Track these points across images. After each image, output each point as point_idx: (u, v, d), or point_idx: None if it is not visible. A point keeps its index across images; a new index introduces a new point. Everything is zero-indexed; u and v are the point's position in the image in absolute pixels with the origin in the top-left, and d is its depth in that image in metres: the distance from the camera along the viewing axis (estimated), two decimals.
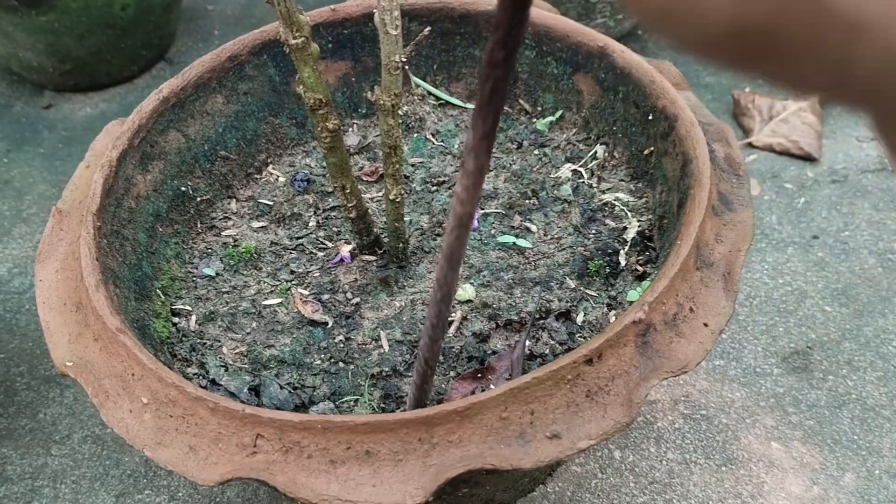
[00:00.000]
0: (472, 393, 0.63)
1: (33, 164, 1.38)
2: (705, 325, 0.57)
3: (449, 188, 0.82)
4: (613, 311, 0.69)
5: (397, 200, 0.69)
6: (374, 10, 0.59)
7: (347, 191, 0.69)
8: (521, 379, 0.52)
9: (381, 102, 0.62)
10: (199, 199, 0.80)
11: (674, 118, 0.69)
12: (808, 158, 1.20)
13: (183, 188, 0.79)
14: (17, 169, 1.38)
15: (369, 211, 0.73)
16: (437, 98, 0.90)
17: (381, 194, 0.82)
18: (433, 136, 0.87)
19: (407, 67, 0.89)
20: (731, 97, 1.30)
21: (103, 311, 0.59)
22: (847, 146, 1.21)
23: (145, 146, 0.75)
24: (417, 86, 0.89)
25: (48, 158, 1.39)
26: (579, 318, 0.69)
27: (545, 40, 0.82)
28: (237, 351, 0.69)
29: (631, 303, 0.68)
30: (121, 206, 0.71)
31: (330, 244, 0.78)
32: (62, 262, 0.66)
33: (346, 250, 0.76)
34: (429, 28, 0.60)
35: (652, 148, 0.74)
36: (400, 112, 0.87)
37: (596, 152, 0.81)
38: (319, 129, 0.64)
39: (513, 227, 0.77)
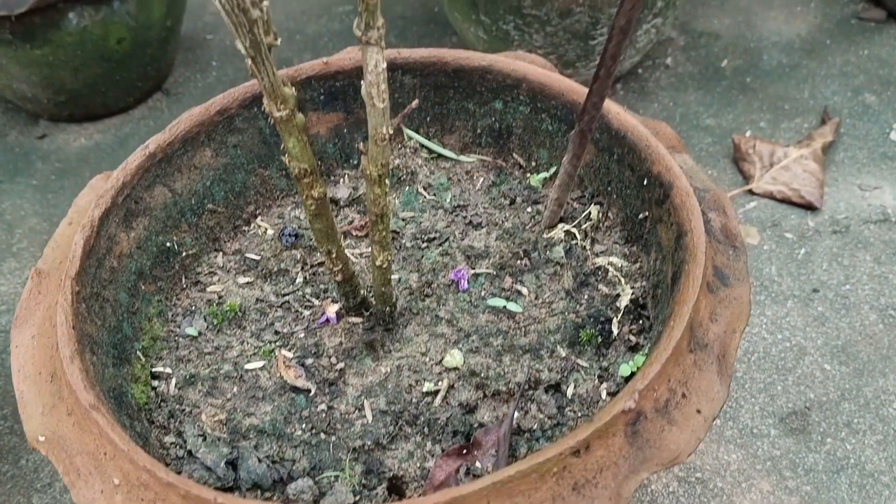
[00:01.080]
0: (457, 472, 0.62)
1: (25, 196, 1.37)
2: (698, 411, 0.55)
3: (440, 245, 0.80)
4: (605, 384, 0.67)
5: (384, 266, 0.67)
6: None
7: (333, 255, 0.67)
8: (504, 472, 0.50)
9: (368, 173, 0.60)
10: (184, 253, 0.79)
11: (669, 186, 0.68)
12: (809, 207, 1.18)
13: (168, 244, 0.77)
14: (9, 201, 1.36)
15: (356, 273, 0.71)
16: (430, 151, 0.88)
17: (370, 250, 0.80)
18: (425, 189, 0.86)
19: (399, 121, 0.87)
20: (732, 141, 1.28)
21: (77, 386, 0.57)
22: (849, 195, 1.20)
23: (130, 203, 0.73)
24: (410, 138, 0.88)
25: (41, 190, 1.38)
26: (569, 391, 0.67)
27: (540, 97, 0.80)
28: (216, 418, 0.67)
29: (623, 378, 0.66)
30: (102, 266, 0.70)
31: (317, 302, 0.77)
32: (39, 328, 0.65)
33: (332, 310, 0.74)
34: (416, 102, 0.58)
35: (647, 213, 0.72)
36: (390, 169, 0.85)
37: (590, 213, 0.79)
38: (305, 196, 0.62)
39: (504, 289, 0.75)
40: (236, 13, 0.48)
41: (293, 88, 0.56)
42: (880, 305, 1.04)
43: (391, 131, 0.58)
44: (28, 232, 1.31)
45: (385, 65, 0.54)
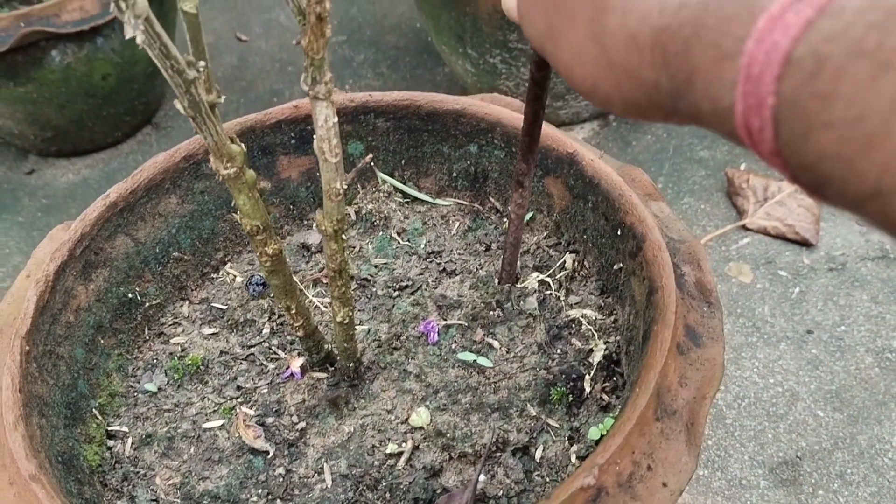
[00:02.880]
0: None
1: (10, 234, 1.36)
2: (664, 484, 0.52)
3: (412, 294, 0.78)
4: (574, 447, 0.64)
5: (345, 322, 0.65)
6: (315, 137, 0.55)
7: (293, 311, 0.65)
8: None
9: (323, 228, 0.58)
10: (147, 304, 0.77)
11: (641, 238, 0.65)
12: (804, 244, 1.15)
13: (130, 294, 0.75)
14: None
15: (317, 328, 0.69)
16: (405, 194, 0.86)
17: (331, 307, 0.78)
18: (399, 234, 0.84)
19: (373, 164, 0.85)
20: (725, 175, 1.25)
21: (18, 455, 0.55)
22: (846, 231, 1.17)
23: (89, 254, 0.71)
24: (384, 181, 0.86)
25: (26, 228, 1.37)
26: (538, 454, 0.64)
27: (515, 141, 0.78)
28: (171, 482, 0.65)
29: (593, 441, 0.64)
30: (57, 322, 0.67)
31: (283, 354, 0.74)
32: None
33: (296, 365, 0.71)
34: (371, 156, 0.56)
35: (621, 264, 0.70)
36: (360, 212, 0.83)
37: (565, 262, 0.76)
38: (259, 253, 0.60)
39: (475, 342, 0.73)
40: (172, 74, 0.46)
41: (241, 145, 0.54)
42: (877, 347, 1.00)
43: (345, 186, 0.55)
44: (12, 270, 1.29)
45: (336, 119, 0.52)
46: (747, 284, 1.10)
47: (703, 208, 1.24)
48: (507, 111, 0.78)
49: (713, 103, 0.29)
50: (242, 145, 0.55)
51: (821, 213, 1.18)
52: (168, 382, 0.72)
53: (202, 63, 0.48)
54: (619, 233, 0.69)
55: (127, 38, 0.43)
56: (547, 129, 0.76)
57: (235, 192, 0.56)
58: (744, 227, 1.19)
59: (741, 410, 0.96)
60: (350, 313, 0.64)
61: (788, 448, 0.91)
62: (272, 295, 0.79)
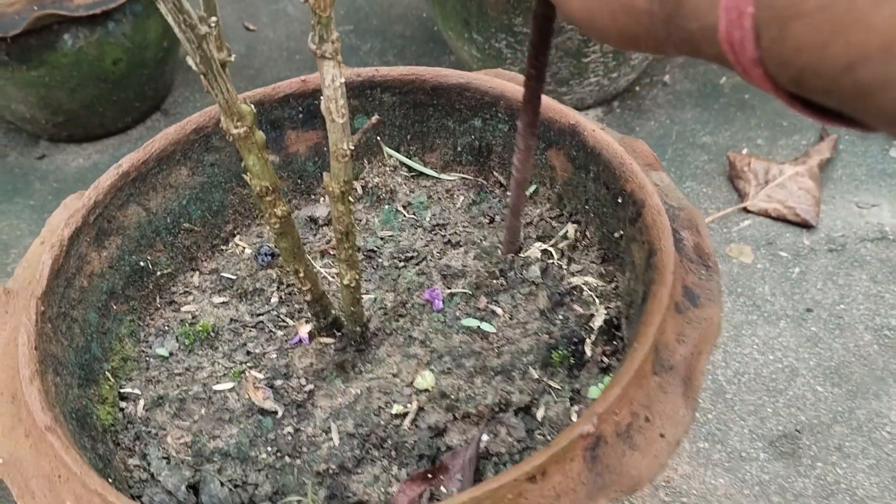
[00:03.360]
0: (420, 497, 0.60)
1: (22, 217, 1.38)
2: (662, 435, 0.54)
3: (417, 264, 0.80)
4: (576, 407, 0.66)
5: (352, 286, 0.66)
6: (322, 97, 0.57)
7: (301, 275, 0.67)
8: (458, 497, 0.49)
9: (331, 190, 0.59)
10: (159, 273, 0.78)
11: (641, 204, 0.66)
12: (804, 225, 1.16)
13: (142, 263, 0.77)
14: (6, 221, 1.37)
15: (325, 293, 0.70)
16: (410, 169, 0.87)
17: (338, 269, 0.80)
18: (404, 207, 0.85)
19: (379, 138, 0.87)
20: (727, 159, 1.27)
21: (34, 407, 0.57)
22: (846, 213, 1.18)
23: (102, 222, 0.73)
24: (390, 156, 0.87)
25: (37, 211, 1.39)
26: (539, 414, 0.66)
27: (518, 115, 0.80)
28: (182, 441, 0.66)
29: (593, 399, 0.65)
30: (71, 286, 0.69)
31: (291, 322, 0.76)
32: (4, 348, 0.64)
33: (304, 331, 0.73)
34: (377, 117, 0.57)
35: (622, 232, 0.71)
36: (366, 186, 0.84)
37: (567, 231, 0.78)
38: (268, 215, 0.61)
39: (478, 309, 0.74)
40: (184, 29, 0.48)
41: (251, 105, 0.56)
42: (875, 325, 1.02)
43: (352, 147, 0.57)
44: (23, 252, 1.31)
45: (343, 79, 0.54)
46: (748, 265, 1.12)
47: (704, 192, 1.25)
48: (511, 84, 0.80)
49: (700, 22, 0.31)
50: (252, 106, 0.56)
51: (821, 196, 1.20)
52: (179, 348, 0.74)
53: (213, 18, 0.50)
54: (619, 201, 0.71)
55: None
56: (549, 101, 0.78)
57: (245, 153, 0.58)
58: (745, 210, 1.20)
59: (741, 385, 0.97)
60: (357, 276, 0.66)
61: (788, 422, 0.93)
62: (280, 262, 0.80)
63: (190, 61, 0.50)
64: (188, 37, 0.48)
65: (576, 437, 0.51)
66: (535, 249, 0.77)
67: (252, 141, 0.57)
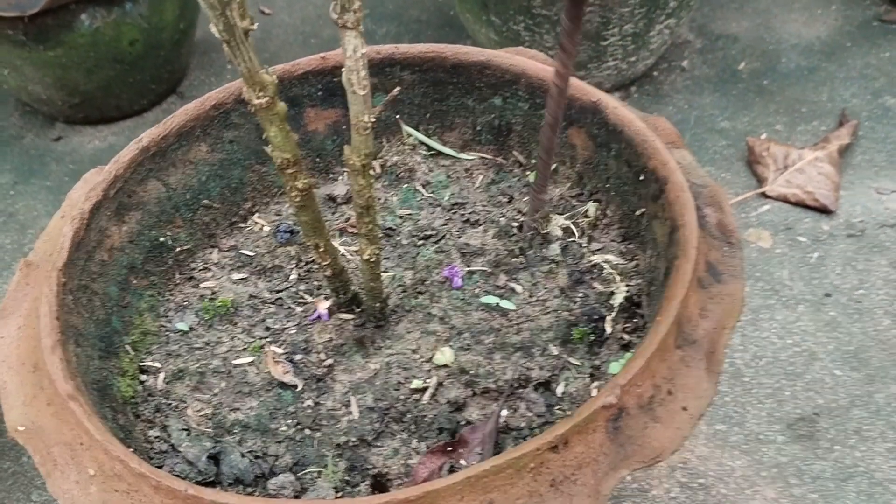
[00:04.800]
0: (440, 469, 0.60)
1: (38, 198, 1.38)
2: (684, 408, 0.54)
3: (436, 242, 0.79)
4: (596, 383, 0.65)
5: (372, 260, 0.66)
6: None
7: (321, 249, 0.67)
8: (480, 466, 0.49)
9: (352, 163, 0.59)
10: (178, 249, 0.78)
11: (664, 181, 0.66)
12: (823, 211, 1.15)
13: (161, 238, 0.77)
14: (23, 202, 1.38)
15: (345, 268, 0.70)
16: (429, 148, 0.87)
17: (358, 244, 0.80)
18: (423, 186, 0.85)
19: (398, 117, 0.86)
20: (746, 144, 1.26)
21: (56, 375, 0.57)
22: (865, 198, 1.17)
23: (122, 196, 0.73)
24: (409, 135, 0.87)
25: (54, 192, 1.39)
26: (559, 390, 0.65)
27: (539, 93, 0.79)
28: (202, 413, 0.67)
29: (613, 375, 0.65)
30: (92, 259, 0.69)
31: (310, 298, 0.76)
32: (25, 319, 0.64)
33: (323, 307, 0.73)
34: (398, 88, 0.57)
35: (643, 209, 0.71)
36: (385, 165, 0.84)
37: (588, 210, 0.78)
38: (289, 188, 0.61)
39: (497, 286, 0.74)
40: None
41: (273, 75, 0.56)
42: (894, 310, 1.01)
43: (373, 119, 0.57)
44: (40, 232, 1.31)
45: (364, 50, 0.54)
46: (767, 249, 1.11)
47: (723, 177, 1.24)
48: (532, 63, 0.80)
49: None
50: (275, 76, 0.56)
51: (840, 181, 1.19)
52: (199, 323, 0.74)
53: None
54: (641, 178, 0.70)
55: None
56: (571, 79, 0.77)
57: (266, 124, 0.57)
58: (764, 195, 1.19)
59: (759, 369, 0.96)
60: (377, 251, 0.66)
61: (806, 405, 0.92)
62: (301, 242, 0.80)
63: (213, 28, 0.50)
64: (211, 3, 0.48)
65: (598, 408, 0.51)
66: (554, 227, 0.77)
67: (274, 112, 0.57)
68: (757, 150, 1.23)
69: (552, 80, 0.64)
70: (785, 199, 1.17)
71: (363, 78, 0.54)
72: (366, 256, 0.65)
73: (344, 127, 0.86)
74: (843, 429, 0.90)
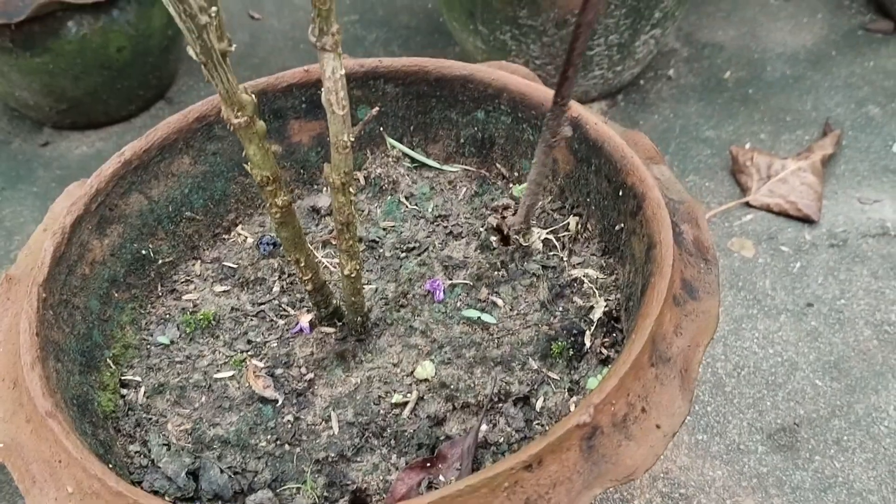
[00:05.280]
0: (418, 485, 0.61)
1: (25, 203, 1.38)
2: (658, 426, 0.54)
3: (419, 255, 0.80)
4: (574, 398, 0.66)
5: (353, 276, 0.67)
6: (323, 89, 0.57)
7: (302, 264, 0.67)
8: (455, 486, 0.49)
9: (332, 181, 0.60)
10: (160, 261, 0.79)
11: (642, 197, 0.67)
12: (806, 220, 1.16)
13: (143, 251, 0.77)
14: (10, 208, 1.37)
15: (326, 282, 0.71)
16: (413, 160, 0.88)
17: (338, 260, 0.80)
18: (407, 198, 0.85)
19: (382, 129, 0.87)
20: (730, 153, 1.27)
21: (35, 393, 0.57)
22: (848, 208, 1.18)
23: (104, 210, 0.73)
24: (393, 147, 0.87)
25: (41, 198, 1.39)
26: (538, 404, 0.66)
27: (521, 107, 0.80)
28: (182, 428, 0.67)
29: (591, 391, 0.65)
30: (73, 273, 0.70)
31: (292, 311, 0.76)
32: (6, 334, 0.65)
33: (305, 320, 0.73)
34: (377, 108, 0.58)
35: (622, 224, 0.71)
36: (369, 177, 0.85)
37: (568, 224, 0.78)
38: (269, 204, 0.62)
39: (479, 300, 0.75)
40: (184, 19, 0.48)
41: (252, 95, 0.56)
42: (875, 321, 1.02)
43: (352, 139, 0.57)
44: (26, 239, 1.31)
45: (343, 71, 0.54)
46: (749, 259, 1.12)
47: (707, 186, 1.25)
48: (514, 77, 0.80)
49: None
50: (253, 96, 0.56)
51: (823, 191, 1.20)
52: (180, 336, 0.74)
53: (214, 9, 0.50)
54: (620, 194, 0.71)
55: None
56: (552, 94, 0.78)
57: (246, 142, 0.58)
58: (747, 204, 1.20)
59: (740, 379, 0.97)
60: (357, 266, 0.66)
61: (787, 415, 0.93)
62: (282, 252, 0.81)
63: (190, 51, 0.51)
64: (188, 26, 0.48)
65: (572, 427, 0.51)
66: (535, 241, 0.78)
67: (253, 131, 0.57)
68: (741, 160, 1.24)
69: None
70: (768, 209, 1.18)
71: (342, 98, 0.55)
72: (346, 272, 0.66)
73: (328, 139, 0.86)
74: (824, 439, 0.90)
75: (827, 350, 0.99)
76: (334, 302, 0.73)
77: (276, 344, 0.73)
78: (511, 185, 0.85)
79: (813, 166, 1.20)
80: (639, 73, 1.46)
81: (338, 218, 0.62)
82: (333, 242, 0.83)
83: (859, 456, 0.88)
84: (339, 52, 0.53)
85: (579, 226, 0.78)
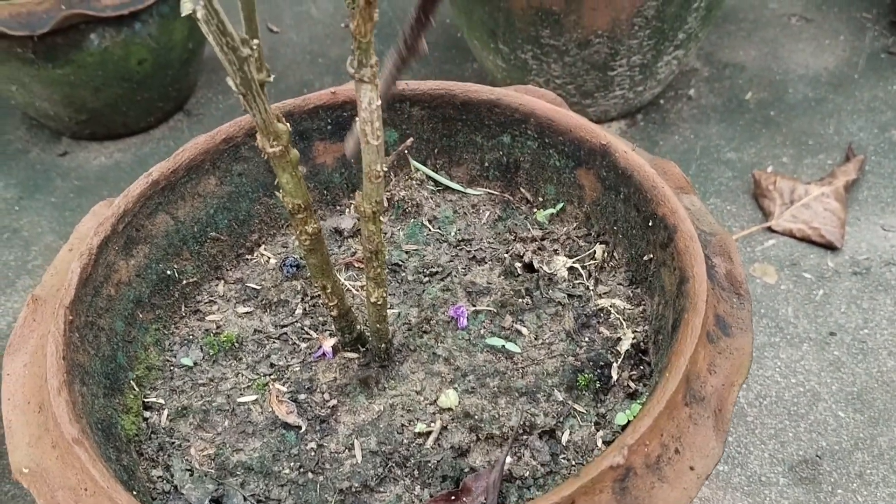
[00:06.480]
0: None
1: (43, 214, 1.38)
2: (691, 468, 0.53)
3: (442, 280, 0.79)
4: (601, 432, 0.65)
5: (379, 303, 0.66)
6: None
7: (329, 290, 0.67)
8: None
9: (363, 209, 0.59)
10: (185, 281, 0.78)
11: (673, 229, 0.66)
12: (829, 247, 1.15)
13: (168, 271, 0.77)
14: (27, 218, 1.37)
15: (351, 308, 0.70)
16: (437, 183, 0.87)
17: (365, 287, 0.79)
18: (430, 222, 0.85)
19: (407, 152, 0.87)
20: (752, 177, 1.26)
21: (62, 418, 0.57)
22: (871, 235, 1.17)
23: (130, 230, 0.73)
24: (417, 170, 0.87)
25: (58, 208, 1.39)
26: (564, 438, 0.65)
27: (548, 133, 0.79)
28: (205, 453, 0.66)
29: (620, 426, 0.65)
30: (99, 294, 0.69)
31: (314, 334, 0.76)
32: (32, 356, 0.64)
33: (328, 345, 0.73)
34: (411, 139, 0.57)
35: (651, 255, 0.71)
36: (392, 200, 0.84)
37: (595, 252, 0.77)
38: (299, 232, 0.61)
39: (503, 328, 0.74)
40: (226, 51, 0.48)
41: (287, 125, 0.56)
42: None
43: (385, 168, 0.57)
44: (44, 249, 1.32)
45: (379, 102, 0.54)
46: (771, 285, 1.11)
47: (729, 209, 1.24)
48: (541, 102, 0.80)
49: None
50: (288, 125, 0.56)
51: (846, 218, 1.19)
52: (203, 358, 0.74)
53: (255, 41, 0.50)
54: (650, 224, 0.70)
55: (183, 14, 0.45)
56: (580, 120, 0.78)
57: (279, 171, 0.58)
58: (769, 229, 1.19)
59: (762, 409, 0.96)
60: (384, 294, 0.66)
61: (809, 447, 0.92)
62: (307, 276, 0.80)
63: (230, 82, 0.50)
64: (230, 59, 0.48)
65: (605, 468, 0.51)
66: (561, 268, 0.77)
67: (287, 160, 0.57)
68: (763, 184, 1.23)
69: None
70: (791, 234, 1.17)
71: (377, 129, 0.54)
72: (373, 299, 0.65)
73: (352, 160, 0.86)
74: (846, 472, 0.89)
75: (850, 381, 0.98)
76: (358, 327, 0.72)
77: (298, 368, 0.73)
78: (535, 209, 0.85)
79: (836, 192, 1.19)
80: (659, 93, 1.46)
81: (367, 246, 0.62)
82: (356, 265, 0.82)
83: (883, 490, 0.87)
84: (376, 83, 0.52)
85: (606, 254, 0.78)
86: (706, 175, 1.30)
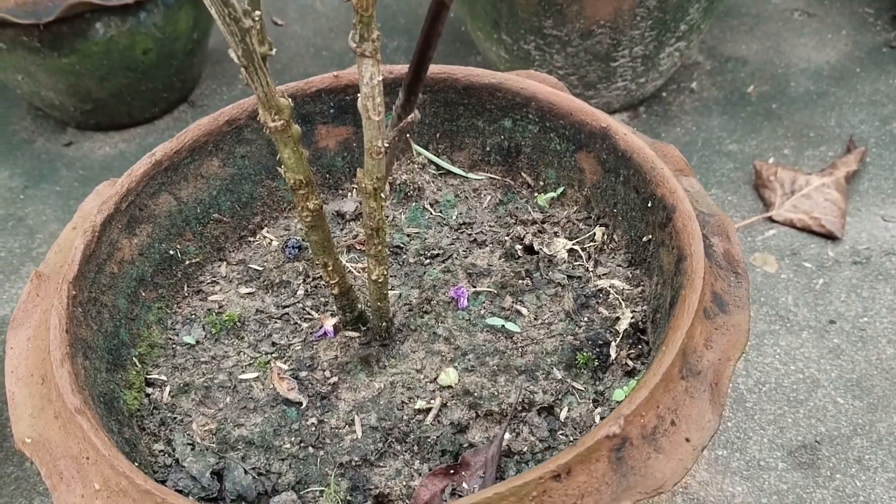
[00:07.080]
0: (442, 492, 0.61)
1: (48, 202, 1.39)
2: (687, 440, 0.54)
3: (443, 262, 0.80)
4: (599, 409, 0.66)
5: (380, 281, 0.67)
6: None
7: (330, 268, 0.67)
8: (482, 493, 0.49)
9: (364, 186, 0.60)
10: (187, 262, 0.79)
11: (672, 209, 0.66)
12: (829, 237, 1.15)
13: (171, 251, 0.78)
14: (32, 206, 1.38)
15: (353, 287, 0.71)
16: (438, 167, 0.88)
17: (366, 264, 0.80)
18: (431, 205, 0.85)
19: (409, 135, 0.87)
20: (753, 168, 1.26)
21: (64, 389, 0.58)
22: (871, 225, 1.17)
23: (133, 210, 0.74)
24: (419, 154, 0.88)
25: (63, 197, 1.40)
26: (563, 414, 0.66)
27: (549, 116, 0.80)
28: (206, 428, 0.67)
29: (618, 402, 0.65)
30: (102, 271, 0.70)
31: (316, 314, 0.76)
32: (35, 330, 0.65)
33: (329, 323, 0.74)
34: (414, 114, 0.58)
35: (650, 236, 0.71)
36: (394, 183, 0.85)
37: (594, 234, 0.78)
38: (300, 208, 0.62)
39: (503, 308, 0.75)
40: (228, 22, 0.48)
41: (289, 99, 0.56)
42: None
43: (386, 144, 0.58)
44: (48, 237, 1.32)
45: (381, 77, 0.54)
46: (772, 274, 1.11)
47: (730, 200, 1.25)
48: (543, 87, 0.80)
49: None
50: (290, 100, 0.57)
51: (847, 208, 1.19)
52: (205, 336, 0.75)
53: (257, 12, 0.50)
54: (649, 205, 0.71)
55: None
56: (580, 104, 0.78)
57: (281, 146, 0.58)
58: (770, 219, 1.20)
59: (762, 395, 0.97)
60: (385, 272, 0.66)
61: (808, 432, 0.92)
62: (309, 257, 0.81)
63: (232, 54, 0.51)
64: (232, 30, 0.49)
65: (602, 438, 0.51)
66: (561, 250, 0.78)
67: (288, 134, 0.57)
68: (764, 175, 1.24)
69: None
70: (791, 225, 1.18)
71: (378, 104, 0.55)
72: (374, 277, 0.66)
73: (354, 144, 0.87)
74: (845, 457, 0.90)
75: (849, 368, 0.99)
76: (359, 306, 0.73)
77: (300, 347, 0.73)
78: (536, 193, 0.85)
79: (837, 183, 1.20)
80: (662, 85, 1.46)
81: (367, 223, 0.62)
82: (358, 247, 0.83)
83: (881, 475, 0.88)
84: (377, 57, 0.53)
85: (605, 236, 0.78)
86: (707, 166, 1.31)
